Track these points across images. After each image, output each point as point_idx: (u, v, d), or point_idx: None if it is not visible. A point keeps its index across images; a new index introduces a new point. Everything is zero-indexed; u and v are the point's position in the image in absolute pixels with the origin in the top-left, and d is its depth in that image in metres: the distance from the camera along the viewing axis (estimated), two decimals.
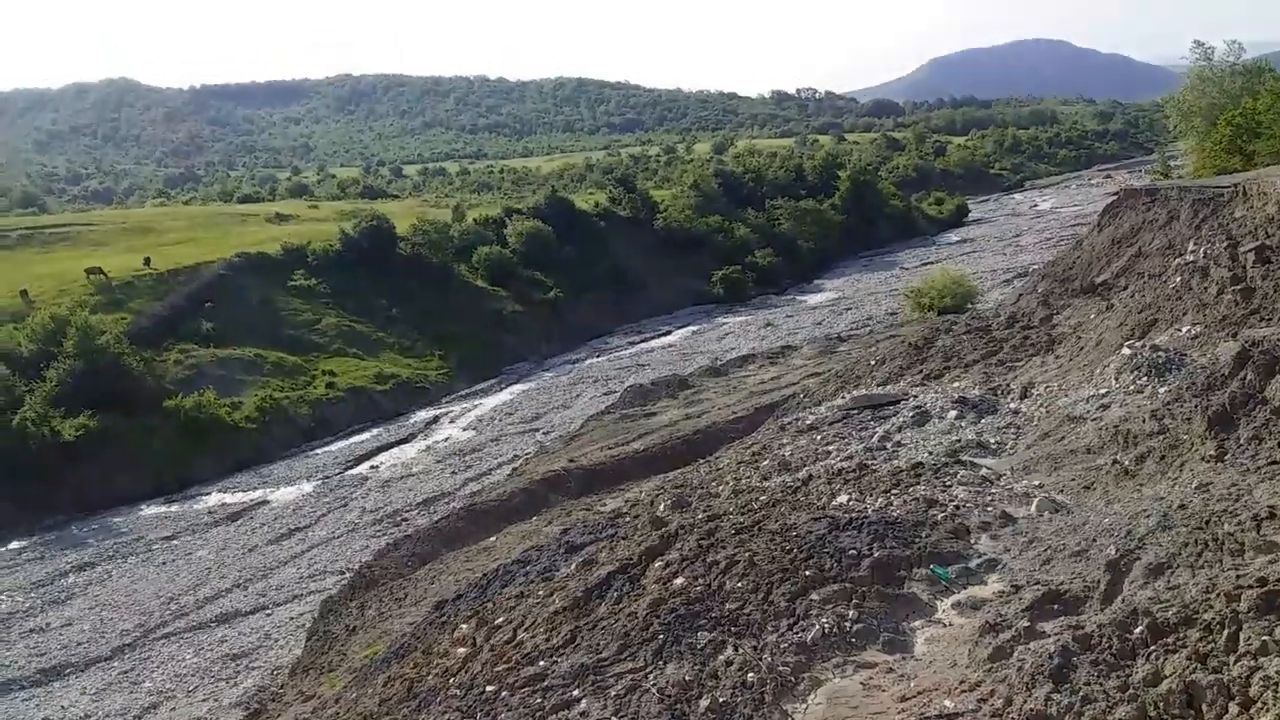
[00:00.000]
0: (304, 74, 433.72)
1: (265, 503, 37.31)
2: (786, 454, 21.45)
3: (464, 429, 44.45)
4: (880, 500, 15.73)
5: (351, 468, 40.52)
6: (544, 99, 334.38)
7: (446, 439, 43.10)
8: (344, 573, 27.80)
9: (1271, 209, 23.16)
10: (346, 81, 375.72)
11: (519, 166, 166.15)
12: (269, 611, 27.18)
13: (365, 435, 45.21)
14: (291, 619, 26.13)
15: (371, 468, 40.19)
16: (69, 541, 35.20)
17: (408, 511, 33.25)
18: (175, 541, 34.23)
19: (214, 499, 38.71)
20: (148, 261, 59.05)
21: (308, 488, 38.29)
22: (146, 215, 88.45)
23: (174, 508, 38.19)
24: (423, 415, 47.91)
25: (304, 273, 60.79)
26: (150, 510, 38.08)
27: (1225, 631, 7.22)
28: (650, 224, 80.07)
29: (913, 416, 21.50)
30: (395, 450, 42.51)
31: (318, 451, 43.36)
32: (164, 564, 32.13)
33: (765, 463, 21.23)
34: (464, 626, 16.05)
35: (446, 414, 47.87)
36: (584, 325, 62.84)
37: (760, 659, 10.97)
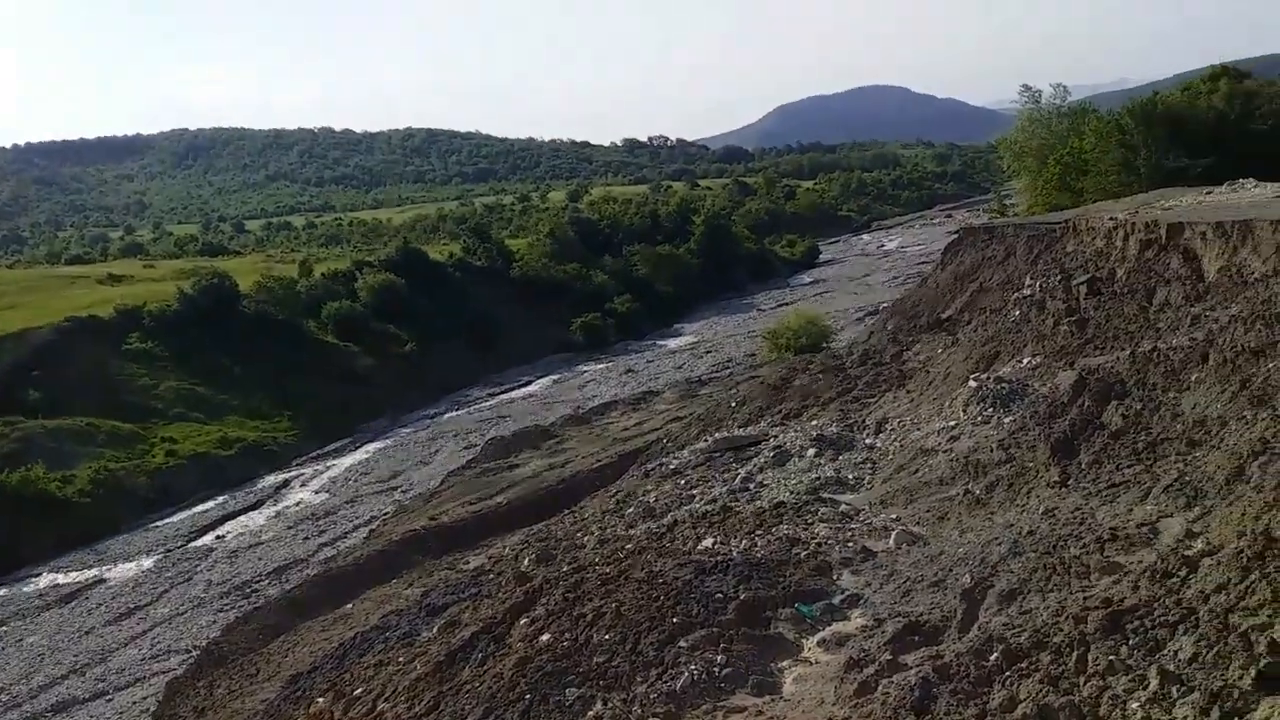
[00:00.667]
0: (137, 129, 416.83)
1: (102, 581, 35.02)
2: (651, 500, 21.39)
3: (317, 492, 42.86)
4: (745, 542, 15.76)
5: (196, 538, 38.47)
6: (393, 150, 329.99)
7: (298, 503, 41.45)
8: (190, 651, 26.21)
9: (1100, 243, 24.59)
10: (183, 136, 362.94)
11: (369, 218, 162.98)
12: (109, 697, 25.35)
13: (210, 503, 43.08)
14: (134, 703, 24.43)
15: (217, 537, 38.26)
16: None
17: (258, 582, 31.68)
18: (3, 628, 31.75)
19: (45, 580, 36.13)
20: None
21: (148, 562, 36.14)
22: None
23: (1, 591, 35.48)
24: (272, 479, 46.01)
25: (140, 335, 57.86)
26: None
27: (1074, 653, 7.38)
28: (507, 273, 79.72)
29: (773, 456, 21.79)
30: (243, 518, 40.61)
31: (159, 523, 41.06)
32: None
33: (630, 510, 21.12)
34: (320, 700, 15.31)
35: (298, 477, 46.10)
36: (442, 378, 61.74)
37: (630, 711, 10.75)
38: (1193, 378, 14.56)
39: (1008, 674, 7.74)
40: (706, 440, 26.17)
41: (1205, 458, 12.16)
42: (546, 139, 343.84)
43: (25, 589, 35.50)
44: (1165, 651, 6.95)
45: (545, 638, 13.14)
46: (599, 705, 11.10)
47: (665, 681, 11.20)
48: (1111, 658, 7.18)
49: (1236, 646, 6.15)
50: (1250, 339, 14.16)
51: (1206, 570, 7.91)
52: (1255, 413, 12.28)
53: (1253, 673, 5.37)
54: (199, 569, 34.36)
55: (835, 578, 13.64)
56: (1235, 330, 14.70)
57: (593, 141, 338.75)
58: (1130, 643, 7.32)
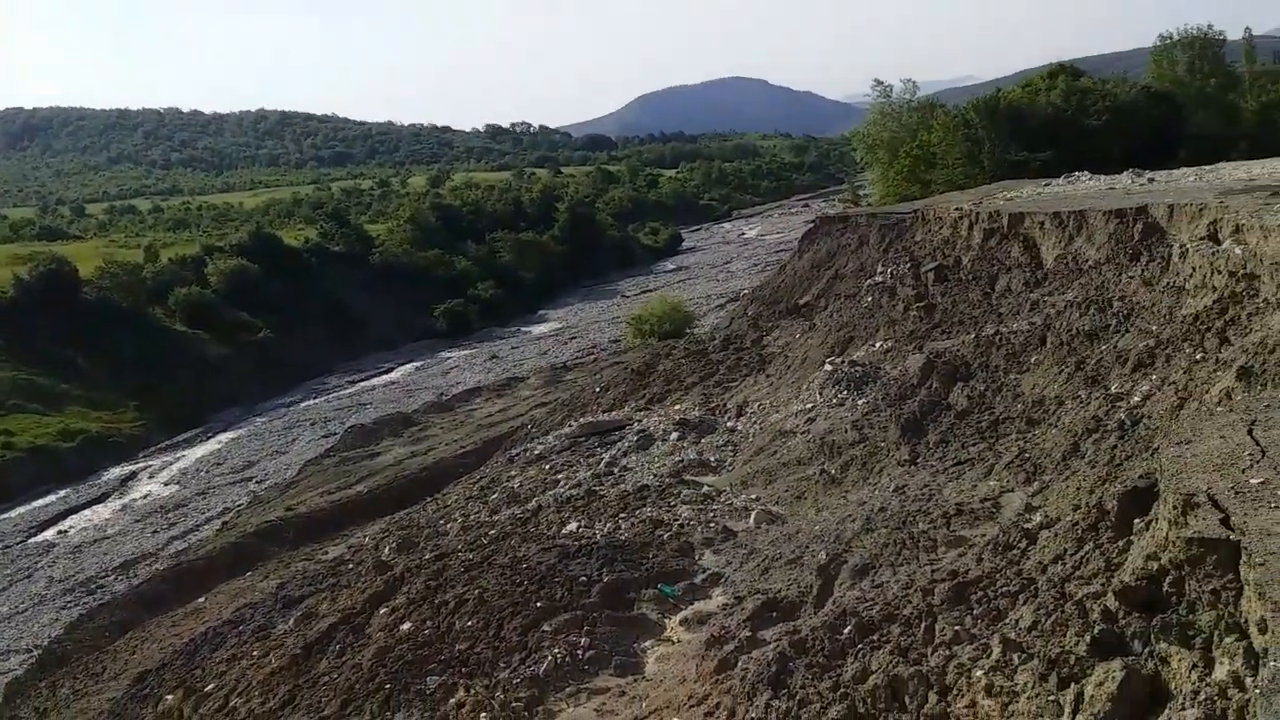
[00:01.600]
0: None
1: None
2: (515, 486, 21.29)
3: (166, 484, 41.02)
4: (609, 525, 15.85)
5: (35, 534, 36.32)
6: (244, 132, 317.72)
7: (146, 496, 39.59)
8: (31, 651, 24.76)
9: (946, 232, 25.55)
10: (18, 116, 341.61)
11: (219, 202, 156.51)
12: None
13: (51, 497, 40.73)
14: None
15: (59, 532, 36.22)
16: None
17: (103, 578, 30.13)
18: None
19: None
20: None
21: None
22: None
23: None
24: (118, 472, 43.81)
25: None
26: None
27: (923, 624, 7.67)
28: (367, 259, 77.80)
29: (637, 440, 21.96)
30: (87, 512, 38.54)
31: None
32: None
33: (494, 496, 20.97)
34: (169, 698, 14.72)
35: (145, 469, 44.03)
36: (299, 365, 59.87)
37: (493, 697, 10.70)
38: (1032, 360, 15.31)
39: (860, 646, 7.99)
40: (571, 425, 26.18)
41: (1043, 435, 12.80)
42: (406, 123, 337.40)
43: None
44: (1007, 620, 7.26)
45: (406, 626, 12.95)
46: (461, 692, 11.00)
47: (529, 666, 11.19)
48: (957, 628, 7.48)
49: (1073, 614, 6.46)
50: (1085, 323, 14.96)
51: (1044, 542, 8.32)
52: (1089, 392, 12.99)
53: (1088, 639, 5.67)
54: (39, 565, 32.47)
55: (697, 558, 13.85)
56: (1071, 315, 15.51)
57: (454, 126, 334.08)
58: (974, 613, 7.64)
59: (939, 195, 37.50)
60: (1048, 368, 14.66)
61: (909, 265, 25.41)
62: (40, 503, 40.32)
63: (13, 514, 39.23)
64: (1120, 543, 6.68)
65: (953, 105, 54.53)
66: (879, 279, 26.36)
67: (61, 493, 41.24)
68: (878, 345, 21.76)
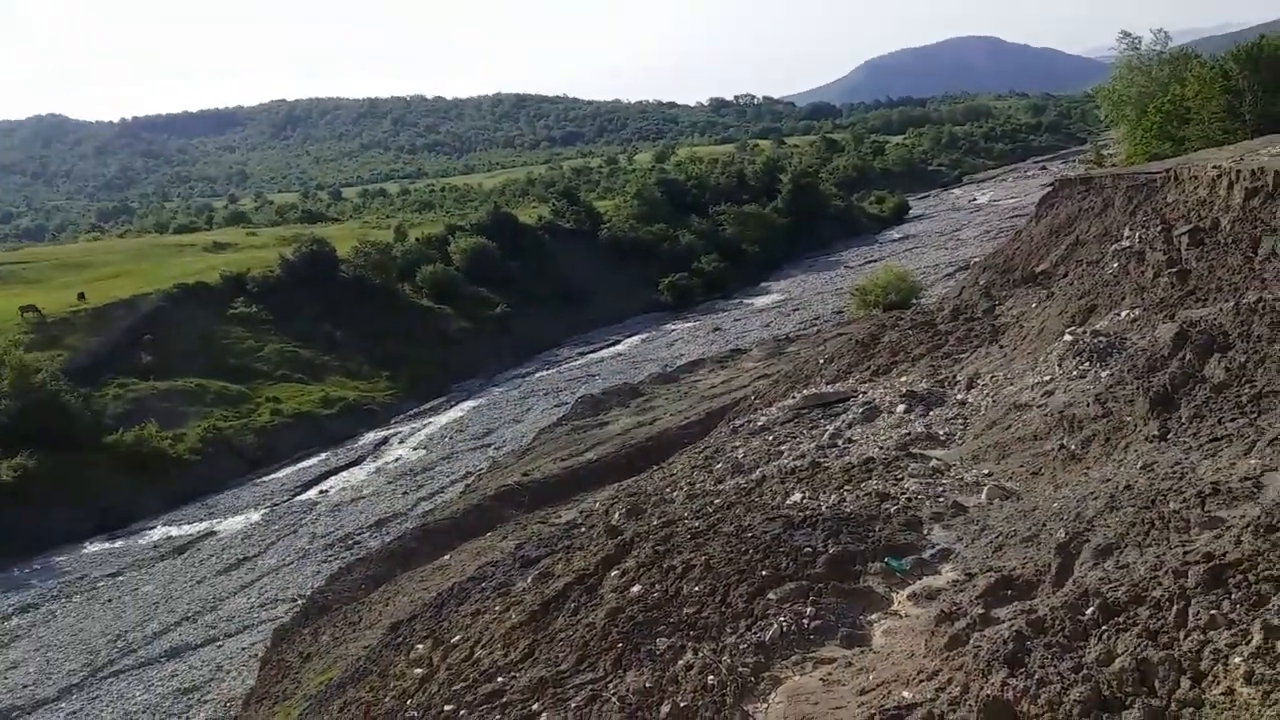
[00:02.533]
0: (237, 101, 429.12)
1: (212, 534, 36.59)
2: (739, 456, 21.45)
3: (414, 449, 43.95)
4: (833, 497, 15.74)
5: (300, 493, 39.89)
6: (482, 116, 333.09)
7: (397, 459, 42.59)
8: (296, 600, 27.30)
9: (1203, 192, 23.64)
10: (281, 107, 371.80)
11: (460, 184, 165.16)
12: (220, 643, 26.61)
13: (313, 460, 44.53)
14: (243, 649, 25.61)
15: (321, 492, 39.59)
16: (10, 584, 34.23)
17: (359, 535, 32.76)
18: (120, 578, 33.45)
19: (159, 533, 37.89)
20: (82, 297, 57.82)
21: (255, 516, 37.62)
22: (80, 250, 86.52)
23: (118, 544, 37.33)
24: (371, 437, 47.31)
25: (244, 300, 59.89)
26: (94, 548, 37.17)
27: (1174, 607, 7.25)
28: (595, 235, 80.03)
29: (862, 412, 21.63)
30: (344, 474, 41.92)
31: (265, 479, 42.65)
32: (109, 601, 31.36)
33: (718, 466, 21.21)
34: (420, 647, 15.81)
35: (396, 434, 47.32)
36: (533, 339, 62.54)
37: (720, 661, 10.88)
38: None
39: (1104, 628, 7.63)
40: (794, 397, 26.08)
41: None
42: (633, 101, 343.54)
43: (140, 541, 37.28)
44: (1269, 606, 6.78)
45: (636, 589, 13.35)
46: (689, 655, 11.26)
47: (754, 632, 11.31)
48: (1213, 612, 7.03)
49: None
50: None
51: None
52: None
53: None
54: (303, 522, 35.64)
55: (925, 532, 13.54)
56: None
57: (679, 102, 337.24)
58: (1232, 597, 7.15)
59: (1193, 153, 34.68)
60: None
61: (1160, 228, 23.67)
62: (304, 464, 44.12)
63: (280, 474, 43.13)
64: None
65: (1209, 56, 50.13)
66: (1126, 244, 24.71)
67: (322, 455, 44.95)
68: (1124, 314, 20.46)
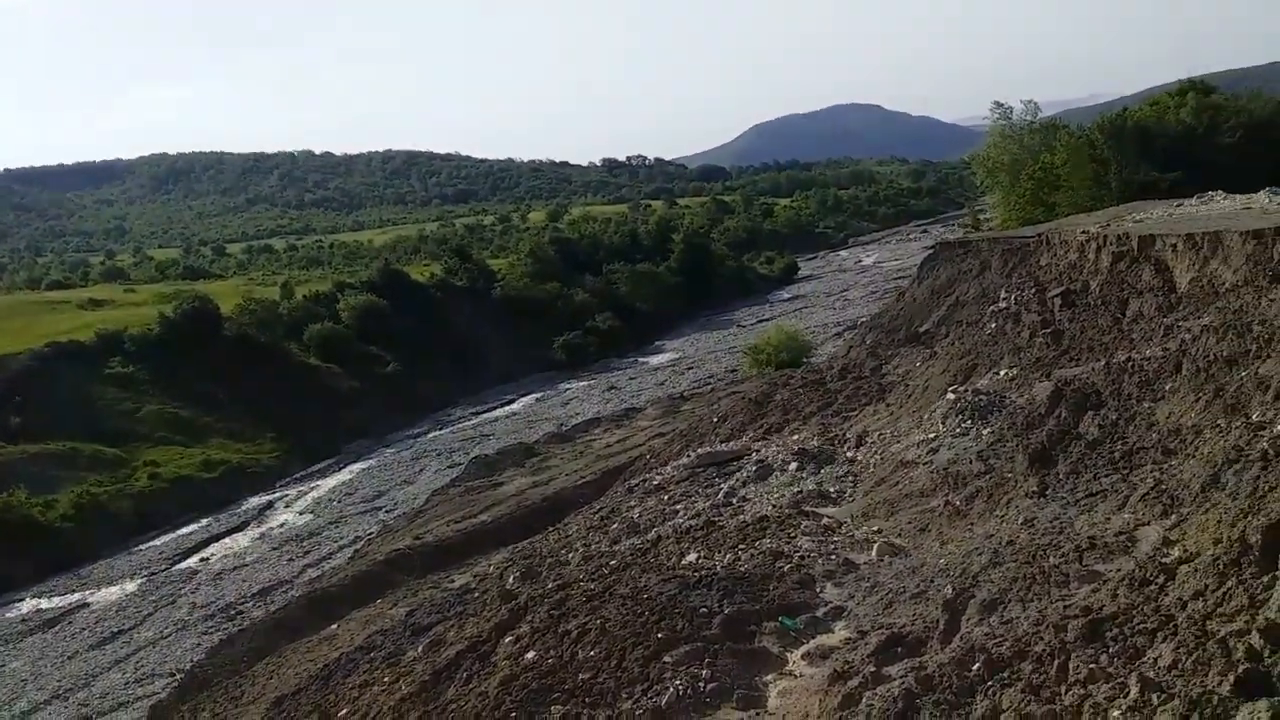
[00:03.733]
0: (115, 153, 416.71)
1: (85, 605, 34.74)
2: (635, 516, 21.43)
3: (301, 513, 42.67)
4: (729, 556, 15.83)
5: (179, 561, 38.24)
6: (373, 172, 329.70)
7: (282, 525, 41.26)
8: (174, 674, 26.05)
9: (1073, 255, 24.85)
10: (162, 160, 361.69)
11: (350, 240, 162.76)
12: None
13: (194, 526, 42.82)
14: None
15: (202, 560, 38.03)
16: None
17: (242, 604, 31.50)
18: None
19: (28, 605, 35.83)
20: None
21: (132, 586, 35.88)
22: None
23: None
24: (256, 501, 45.78)
25: (121, 360, 57.58)
26: None
27: (1055, 662, 7.47)
28: (489, 293, 79.72)
29: (756, 471, 21.87)
30: (227, 540, 40.39)
31: (142, 547, 40.78)
32: None
33: (614, 526, 21.14)
34: None
35: (282, 498, 45.90)
36: (425, 398, 61.64)
37: None
38: (1167, 387, 14.75)
39: (990, 683, 7.82)
40: (689, 456, 26.23)
41: (1181, 466, 12.31)
42: (526, 159, 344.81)
43: (8, 614, 35.20)
44: (1145, 659, 7.04)
45: (530, 655, 13.16)
46: None
47: (650, 697, 11.24)
48: (1092, 665, 7.27)
49: (1215, 653, 6.24)
50: (1223, 348, 14.35)
51: (1184, 577, 8.03)
52: (1229, 420, 12.45)
53: (1231, 679, 5.46)
54: (183, 592, 34.15)
55: (819, 590, 13.72)
56: (1208, 340, 14.90)
57: (572, 161, 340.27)
58: (1110, 650, 7.41)
59: (1064, 218, 36.48)
60: (1184, 395, 14.10)
61: (1034, 290, 24.76)
62: (184, 531, 42.39)
63: (158, 542, 41.34)
64: (1265, 578, 6.43)
65: (1076, 126, 52.99)
66: (1003, 305, 25.75)
67: (204, 522, 43.28)
68: (1002, 373, 21.25)
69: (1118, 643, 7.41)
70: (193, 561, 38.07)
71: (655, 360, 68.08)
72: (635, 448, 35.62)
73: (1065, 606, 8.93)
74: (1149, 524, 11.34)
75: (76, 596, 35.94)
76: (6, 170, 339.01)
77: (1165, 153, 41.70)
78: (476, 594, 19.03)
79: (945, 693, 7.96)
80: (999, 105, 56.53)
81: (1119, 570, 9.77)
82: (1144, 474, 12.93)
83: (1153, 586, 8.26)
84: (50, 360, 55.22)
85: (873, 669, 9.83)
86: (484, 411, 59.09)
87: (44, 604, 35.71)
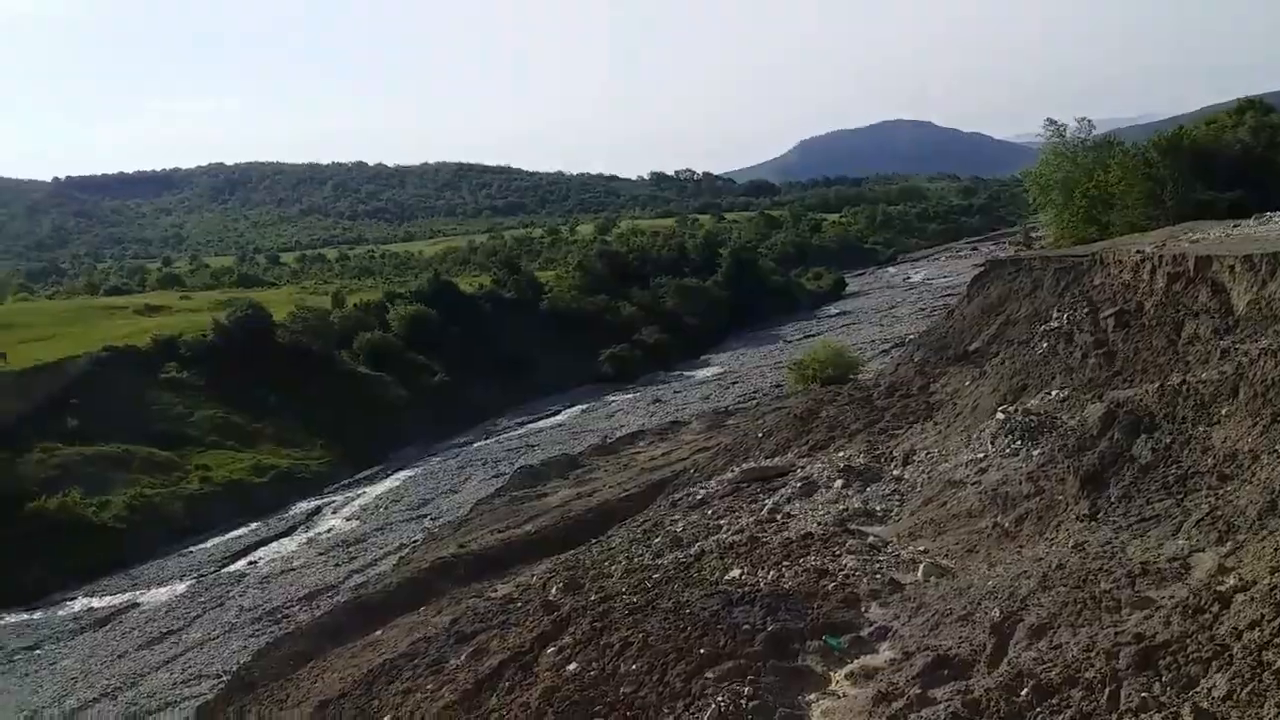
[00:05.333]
0: (175, 163, 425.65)
1: (135, 605, 35.35)
2: (678, 530, 21.39)
3: (348, 519, 43.11)
4: (772, 573, 15.75)
5: (228, 564, 38.78)
6: (424, 184, 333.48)
7: (329, 530, 41.72)
8: (221, 676, 26.38)
9: (1127, 275, 24.47)
10: (220, 170, 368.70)
11: (400, 251, 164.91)
12: None
13: (243, 530, 43.42)
14: None
15: (250, 563, 38.54)
16: None
17: (289, 608, 31.86)
18: (38, 651, 32.08)
19: (80, 604, 36.52)
20: (3, 357, 56.34)
21: (181, 587, 36.46)
22: (8, 311, 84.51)
23: (36, 615, 35.88)
24: (304, 506, 46.33)
25: (176, 365, 58.70)
26: (11, 619, 35.65)
27: (1106, 690, 7.36)
28: (536, 305, 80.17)
29: (801, 487, 21.76)
30: (275, 544, 40.91)
31: (192, 549, 41.42)
32: (26, 675, 30.04)
33: (657, 540, 21.11)
34: None
35: (329, 504, 46.41)
36: (472, 408, 62.04)
37: None
38: (1223, 411, 14.45)
39: (1038, 710, 7.72)
40: (733, 471, 26.15)
41: (1237, 492, 12.07)
42: (575, 173, 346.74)
43: (60, 613, 35.89)
44: (1199, 689, 6.92)
45: (572, 667, 13.19)
46: None
47: (692, 713, 11.22)
48: (1144, 694, 7.15)
49: (1271, 684, 6.12)
50: None
51: (1239, 606, 7.88)
52: None
53: None
54: (231, 594, 34.62)
55: (863, 610, 13.61)
56: (1265, 363, 14.59)
57: (620, 175, 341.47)
58: (1163, 679, 7.29)
59: (1118, 238, 35.92)
60: (1240, 419, 13.81)
61: (1087, 310, 24.41)
62: (233, 534, 42.99)
63: (208, 544, 41.96)
64: None
65: (1131, 144, 52.19)
66: (1054, 324, 25.41)
67: (252, 525, 43.86)
68: (1053, 394, 20.96)
69: (1171, 671, 7.29)
70: (241, 564, 38.59)
71: (701, 374, 68.00)
72: (679, 461, 35.57)
73: (1117, 633, 8.78)
74: (1204, 551, 11.13)
75: (127, 596, 36.57)
76: (69, 178, 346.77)
77: (1223, 172, 40.93)
78: (519, 604, 19.07)
79: (992, 717, 7.86)
80: (1052, 123, 55.72)
81: (1172, 597, 9.59)
82: (1199, 499, 12.69)
83: (1207, 615, 8.11)
84: (107, 364, 56.40)
85: (918, 691, 9.74)
86: (529, 422, 59.36)
87: (95, 603, 36.37)
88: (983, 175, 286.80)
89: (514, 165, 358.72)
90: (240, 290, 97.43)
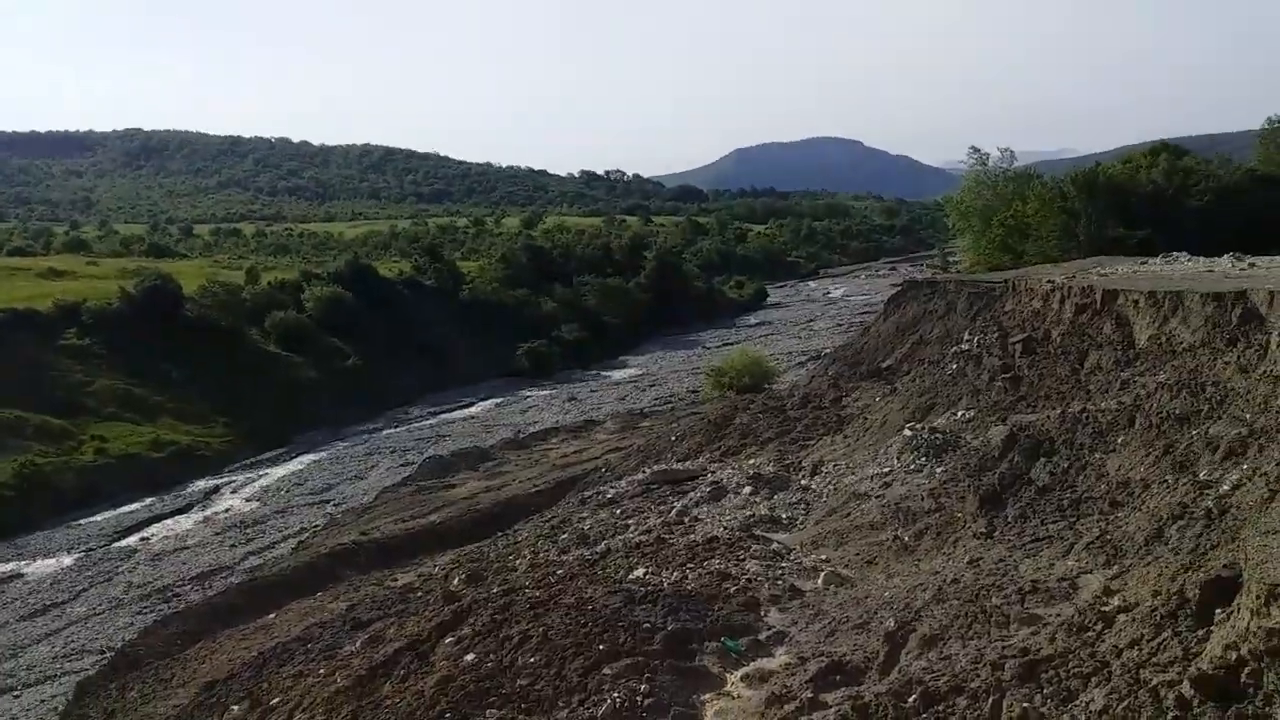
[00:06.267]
0: (89, 125, 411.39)
1: (19, 576, 33.96)
2: (586, 527, 21.40)
3: (248, 500, 42.06)
4: (676, 574, 15.84)
5: (119, 539, 37.50)
6: (349, 165, 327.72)
7: (228, 510, 40.65)
8: (104, 652, 25.50)
9: (1037, 304, 25.19)
10: (137, 136, 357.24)
11: (320, 231, 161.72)
12: (17, 694, 24.51)
13: (137, 505, 42.02)
14: (42, 702, 23.66)
15: (142, 539, 37.33)
16: None
17: (179, 587, 30.95)
18: None
19: None
20: None
21: (68, 560, 35.15)
22: None
23: None
24: (203, 485, 45.06)
25: (77, 331, 56.58)
26: None
27: (990, 699, 7.55)
28: (456, 294, 79.35)
29: (710, 491, 21.94)
30: (170, 521, 39.68)
31: (82, 521, 39.96)
32: None
33: (564, 536, 21.10)
34: (235, 709, 15.07)
35: (229, 484, 45.23)
36: (384, 394, 61.07)
37: None
38: (1119, 440, 14.98)
39: (924, 716, 7.89)
40: (645, 472, 26.27)
41: (1127, 518, 12.51)
42: (504, 165, 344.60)
43: None
44: (1078, 702, 7.13)
45: (470, 658, 13.08)
46: None
47: (587, 708, 11.21)
48: (1025, 705, 7.35)
49: (1146, 700, 6.32)
50: (1176, 406, 14.62)
51: (1121, 626, 8.15)
52: (1176, 477, 12.68)
53: None
54: (120, 570, 33.50)
55: (763, 614, 13.76)
56: (1162, 396, 15.17)
57: (550, 170, 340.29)
58: (1044, 691, 7.51)
59: (1031, 267, 37.01)
60: (1135, 449, 14.33)
61: (997, 335, 25.08)
62: (126, 509, 41.60)
63: (99, 518, 40.55)
64: (1200, 631, 6.54)
65: (1049, 176, 53.86)
66: (965, 347, 26.06)
67: (147, 501, 42.51)
68: (960, 414, 21.49)
69: (1052, 685, 7.51)
70: (133, 540, 37.37)
71: (618, 375, 68.04)
72: (591, 460, 35.57)
73: (1004, 646, 9.03)
74: (1092, 572, 11.51)
75: (10, 566, 35.14)
76: None
77: (1134, 210, 42.47)
78: (420, 593, 18.88)
79: None
80: (975, 150, 57.29)
81: (1059, 615, 9.90)
82: (1090, 523, 13.13)
83: (1090, 633, 8.38)
84: (5, 326, 54.14)
85: (810, 695, 9.88)
86: (442, 412, 58.70)
87: None
88: (906, 197, 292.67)
89: (442, 153, 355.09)
90: (150, 260, 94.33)
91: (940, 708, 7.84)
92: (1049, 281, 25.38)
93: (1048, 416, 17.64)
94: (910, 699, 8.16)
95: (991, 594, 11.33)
